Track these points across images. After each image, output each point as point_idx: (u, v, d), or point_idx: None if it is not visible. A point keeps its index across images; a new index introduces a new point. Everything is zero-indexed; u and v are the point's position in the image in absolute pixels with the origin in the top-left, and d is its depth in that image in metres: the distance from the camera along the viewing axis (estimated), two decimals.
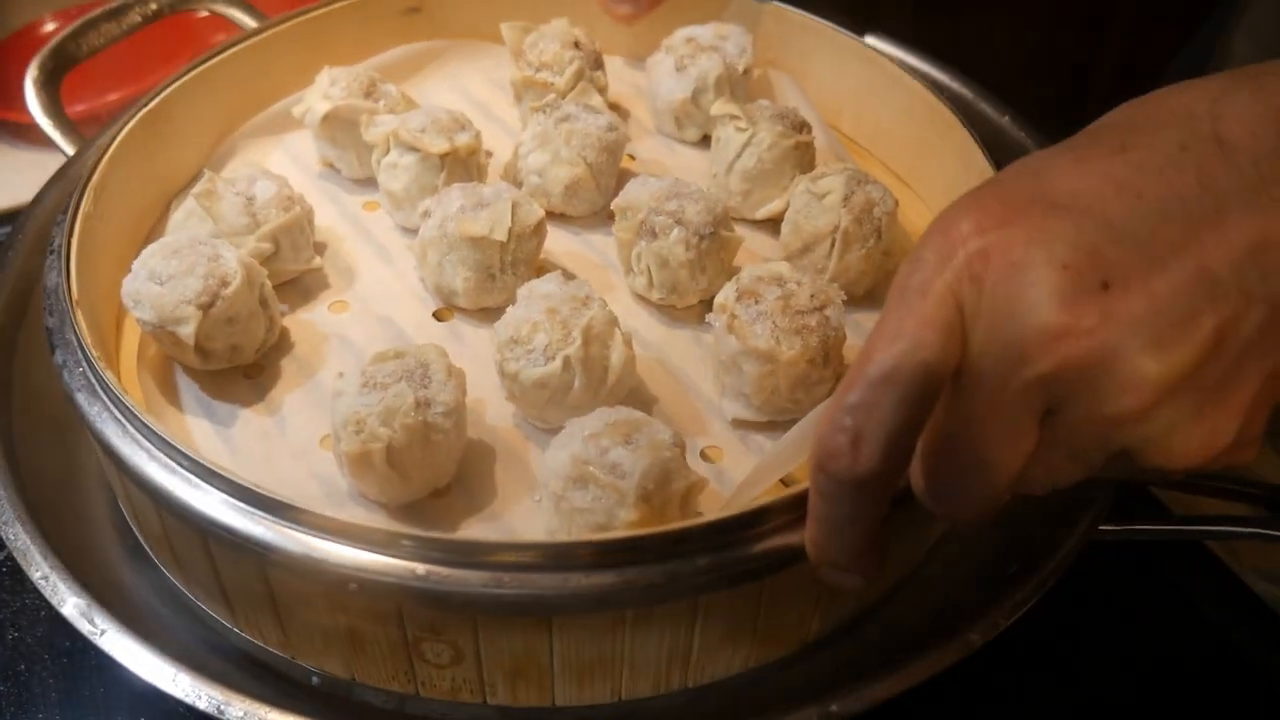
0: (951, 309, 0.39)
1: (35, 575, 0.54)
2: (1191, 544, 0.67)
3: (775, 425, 0.61)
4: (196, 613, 0.58)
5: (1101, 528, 0.56)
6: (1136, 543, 0.58)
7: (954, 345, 0.39)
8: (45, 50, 0.80)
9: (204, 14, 0.95)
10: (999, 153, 0.77)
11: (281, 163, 0.79)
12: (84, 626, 0.52)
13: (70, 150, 0.76)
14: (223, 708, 0.49)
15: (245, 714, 0.49)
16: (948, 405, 0.40)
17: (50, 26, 1.09)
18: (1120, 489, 0.57)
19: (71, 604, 0.53)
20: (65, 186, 0.73)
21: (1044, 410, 0.39)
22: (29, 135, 0.99)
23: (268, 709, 0.49)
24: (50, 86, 0.79)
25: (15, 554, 0.55)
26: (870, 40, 0.85)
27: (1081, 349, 0.37)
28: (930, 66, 0.84)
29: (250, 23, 0.87)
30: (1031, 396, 0.38)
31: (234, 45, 0.79)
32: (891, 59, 0.82)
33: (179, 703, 0.50)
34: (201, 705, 0.49)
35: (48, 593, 0.54)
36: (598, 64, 0.81)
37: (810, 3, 0.85)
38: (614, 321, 0.60)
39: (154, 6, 0.85)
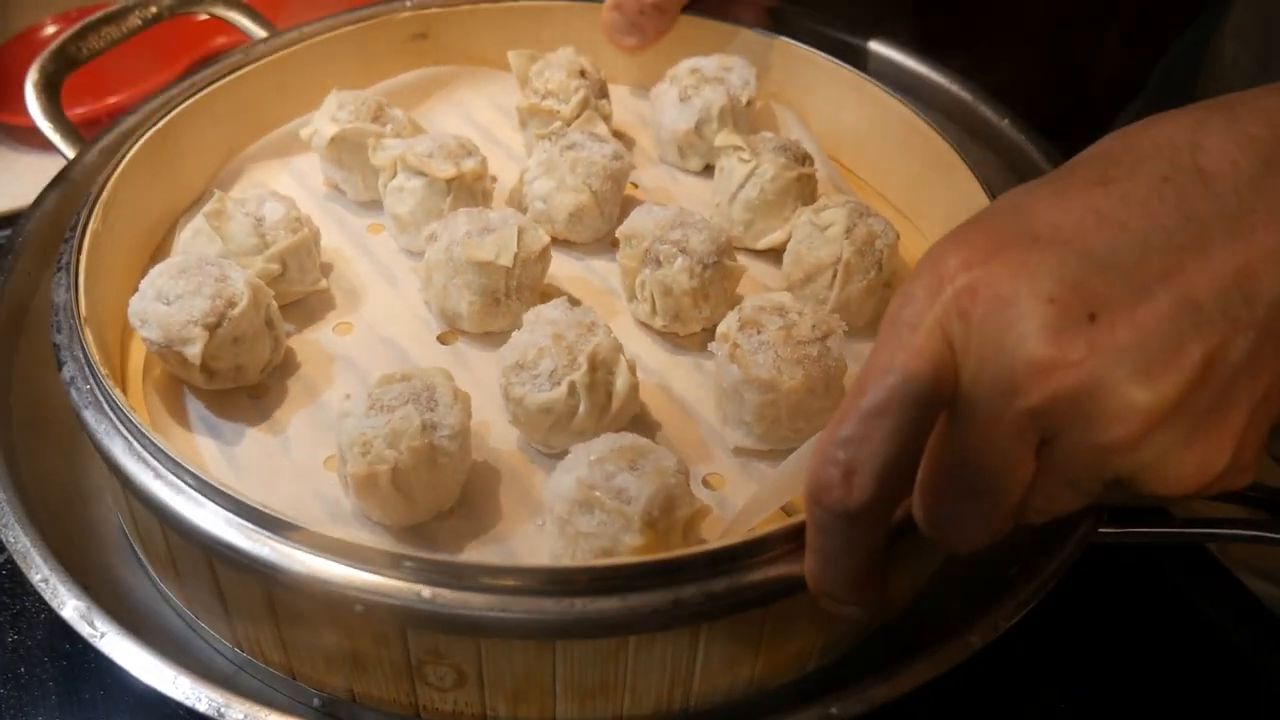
0: (941, 343, 0.40)
1: (35, 578, 0.54)
2: (1191, 545, 0.68)
3: (777, 453, 0.62)
4: (180, 612, 0.58)
5: (1101, 530, 0.56)
6: (1136, 545, 0.59)
7: (945, 378, 0.40)
8: (46, 53, 0.80)
9: (204, 17, 0.96)
10: (999, 155, 0.78)
11: (287, 184, 0.80)
12: (84, 629, 0.52)
13: (70, 153, 0.76)
14: (222, 710, 0.49)
15: (245, 716, 0.49)
16: (944, 437, 0.41)
17: (51, 29, 1.09)
18: None
19: (71, 607, 0.53)
20: (65, 190, 0.73)
21: (1039, 441, 0.40)
22: (29, 138, 0.99)
23: (267, 711, 0.49)
24: (51, 89, 0.79)
25: (15, 556, 0.55)
26: (872, 45, 0.86)
27: (1070, 381, 0.38)
28: (930, 70, 0.85)
29: (251, 26, 0.88)
30: (1025, 428, 0.39)
31: (242, 67, 0.80)
32: (892, 63, 0.83)
33: (179, 705, 0.50)
34: (201, 708, 0.49)
35: (47, 595, 0.54)
36: (603, 93, 0.82)
37: (814, 5, 0.87)
38: (619, 348, 0.61)
39: (154, 10, 0.85)
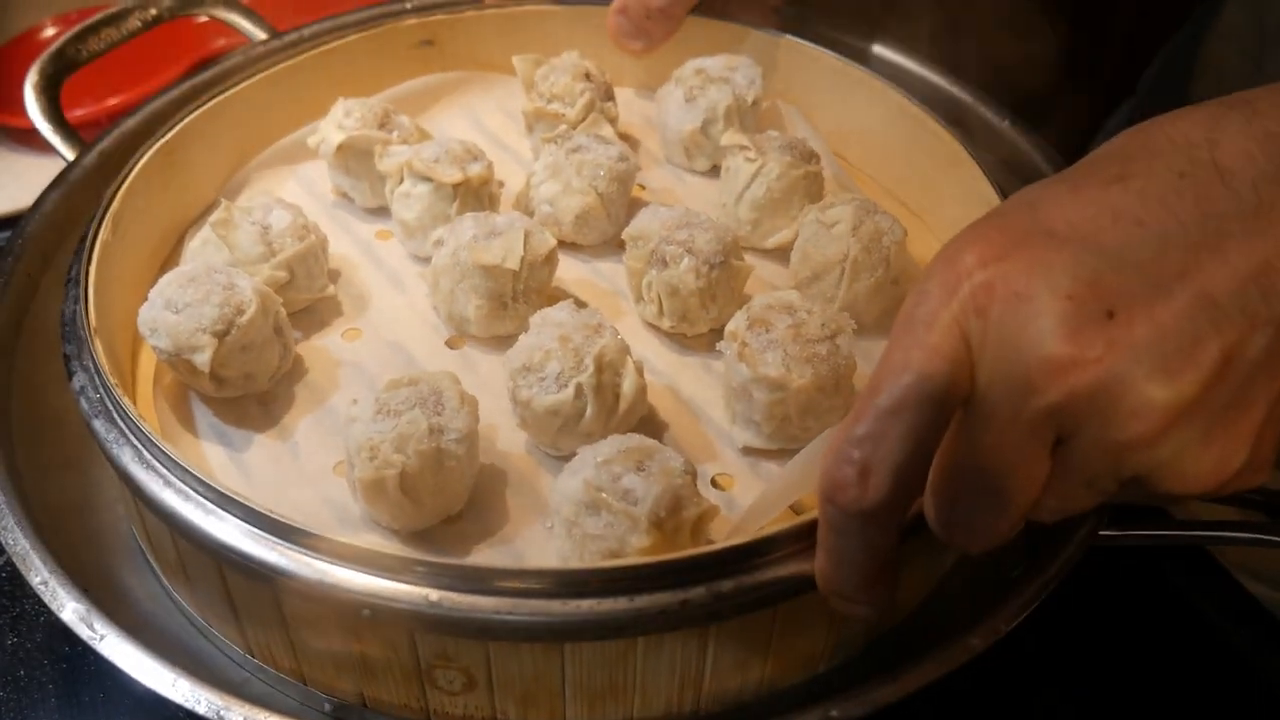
0: (958, 341, 0.39)
1: (35, 580, 0.54)
2: (1192, 548, 0.67)
3: (786, 453, 0.62)
4: (193, 620, 0.58)
5: (1102, 533, 0.56)
6: (1137, 547, 0.58)
7: (961, 377, 0.40)
8: (45, 55, 0.80)
9: (204, 19, 0.95)
10: (998, 157, 0.77)
11: (295, 192, 0.80)
12: (83, 632, 0.52)
13: (70, 155, 0.77)
14: (222, 713, 0.49)
15: (244, 718, 0.49)
16: (958, 436, 0.41)
17: (50, 31, 1.09)
18: None
19: (71, 609, 0.53)
20: (65, 192, 0.74)
21: (1055, 439, 0.39)
22: (29, 140, 0.99)
23: (268, 713, 0.49)
24: (50, 91, 0.79)
25: (15, 559, 0.55)
26: (873, 46, 0.86)
27: (1089, 378, 0.38)
28: (930, 72, 0.85)
29: (250, 28, 0.88)
30: (1042, 426, 0.39)
31: (243, 69, 0.80)
32: (891, 63, 0.83)
33: (179, 708, 0.50)
34: (201, 710, 0.50)
35: (47, 598, 0.54)
36: (608, 95, 0.82)
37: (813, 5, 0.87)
38: (626, 349, 0.61)
39: (154, 12, 0.85)
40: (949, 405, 0.40)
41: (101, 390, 0.57)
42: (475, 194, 0.73)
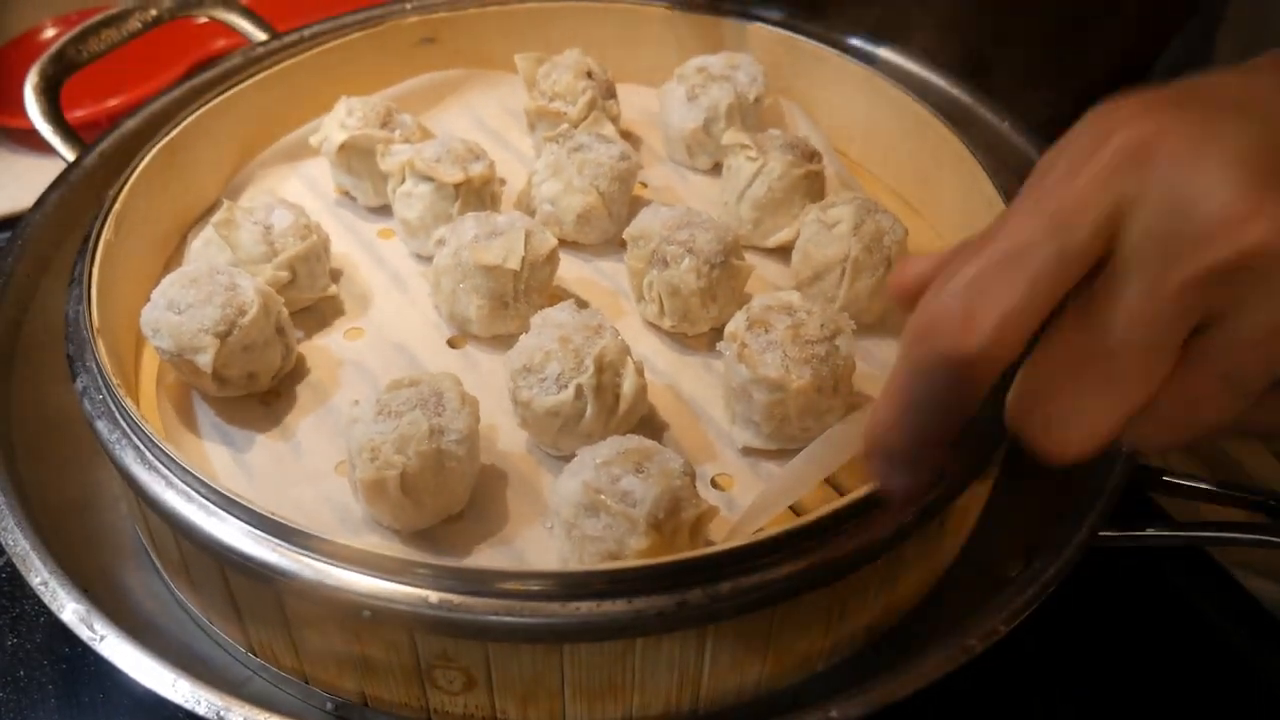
0: (1103, 195, 0.35)
1: (35, 581, 0.55)
2: (1191, 548, 0.68)
3: (785, 453, 0.62)
4: (196, 619, 0.59)
5: (1101, 534, 0.56)
6: (1137, 548, 0.58)
7: (1100, 235, 0.35)
8: (45, 56, 0.80)
9: (203, 20, 0.96)
10: (998, 158, 0.77)
11: (298, 190, 0.80)
12: (83, 632, 0.53)
13: (70, 156, 0.77)
14: (222, 714, 0.50)
15: (244, 719, 0.49)
16: (1077, 311, 0.36)
17: (50, 32, 1.10)
18: (1122, 494, 0.57)
19: (71, 610, 0.53)
20: (65, 193, 0.74)
21: (1197, 322, 0.35)
22: (29, 141, 0.99)
23: (267, 714, 0.49)
24: (50, 92, 0.79)
25: (14, 559, 0.56)
26: (869, 46, 0.86)
27: (1269, 236, 0.33)
28: (929, 73, 0.84)
29: (250, 29, 0.88)
30: (1191, 298, 0.34)
31: (243, 70, 0.81)
32: (890, 63, 0.83)
33: (178, 708, 0.50)
34: (201, 710, 0.50)
35: (47, 598, 0.54)
36: (610, 93, 0.82)
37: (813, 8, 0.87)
38: (626, 350, 0.61)
39: (154, 13, 0.85)
40: (1078, 265, 0.35)
41: (104, 391, 0.58)
42: (477, 193, 0.73)
